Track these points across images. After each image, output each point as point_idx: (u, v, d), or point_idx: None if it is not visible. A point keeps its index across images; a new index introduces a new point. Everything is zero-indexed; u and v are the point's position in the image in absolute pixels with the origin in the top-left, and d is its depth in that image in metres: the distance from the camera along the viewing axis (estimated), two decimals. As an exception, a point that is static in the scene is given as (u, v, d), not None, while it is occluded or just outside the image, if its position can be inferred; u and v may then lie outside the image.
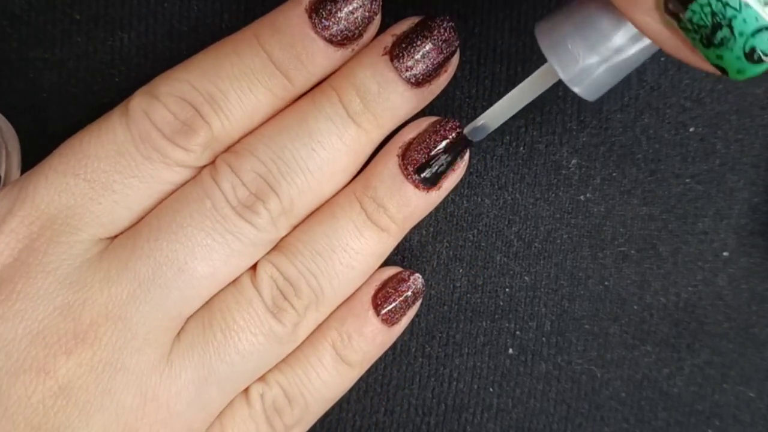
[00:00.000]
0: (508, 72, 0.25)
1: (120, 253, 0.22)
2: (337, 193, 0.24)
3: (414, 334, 0.26)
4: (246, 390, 0.24)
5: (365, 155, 0.23)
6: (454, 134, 0.23)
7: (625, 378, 0.27)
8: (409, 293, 0.24)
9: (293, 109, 0.23)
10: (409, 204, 0.23)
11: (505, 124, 0.25)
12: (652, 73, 0.25)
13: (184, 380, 0.22)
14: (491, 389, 0.26)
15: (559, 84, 0.25)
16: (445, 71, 0.23)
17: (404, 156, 0.23)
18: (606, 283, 0.26)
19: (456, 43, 0.23)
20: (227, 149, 0.23)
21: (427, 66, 0.23)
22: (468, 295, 0.26)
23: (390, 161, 0.23)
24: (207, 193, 0.22)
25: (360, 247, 0.23)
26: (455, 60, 0.23)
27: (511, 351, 0.26)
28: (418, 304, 0.25)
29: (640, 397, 0.27)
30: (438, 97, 0.25)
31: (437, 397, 0.26)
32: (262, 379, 0.24)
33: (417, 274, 0.24)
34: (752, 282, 0.27)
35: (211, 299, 0.23)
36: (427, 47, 0.23)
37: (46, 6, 0.24)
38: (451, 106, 0.25)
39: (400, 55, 0.22)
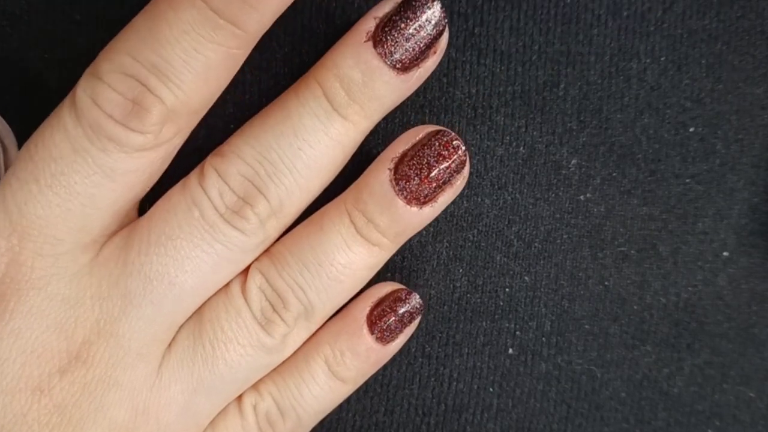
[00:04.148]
0: (508, 72, 0.25)
1: (111, 267, 0.22)
2: (329, 203, 0.23)
3: (414, 334, 0.26)
4: (239, 400, 0.24)
5: (355, 146, 0.23)
6: (451, 151, 0.22)
7: (625, 378, 0.27)
8: (405, 313, 0.24)
9: (278, 105, 0.22)
10: (401, 220, 0.22)
11: (505, 124, 0.25)
12: (652, 73, 0.25)
13: (173, 392, 0.22)
14: (491, 389, 0.26)
15: (559, 84, 0.25)
16: (434, 52, 0.22)
17: (396, 170, 0.22)
18: (606, 283, 0.26)
19: (444, 22, 0.21)
20: (215, 152, 0.22)
21: (414, 49, 0.21)
22: (468, 295, 0.26)
23: (381, 174, 0.22)
24: (195, 202, 0.22)
25: (348, 262, 0.23)
26: (444, 39, 0.22)
27: (511, 351, 0.26)
28: (415, 323, 0.24)
29: (640, 397, 0.27)
30: (438, 97, 0.25)
31: (437, 397, 0.26)
32: (255, 389, 0.24)
33: (415, 294, 0.24)
34: (752, 282, 0.27)
35: (202, 307, 0.23)
36: (413, 29, 0.21)
37: (46, 6, 0.24)
38: (451, 106, 0.25)
39: (384, 39, 0.21)
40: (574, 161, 0.26)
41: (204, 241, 0.22)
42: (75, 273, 0.21)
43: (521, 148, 0.26)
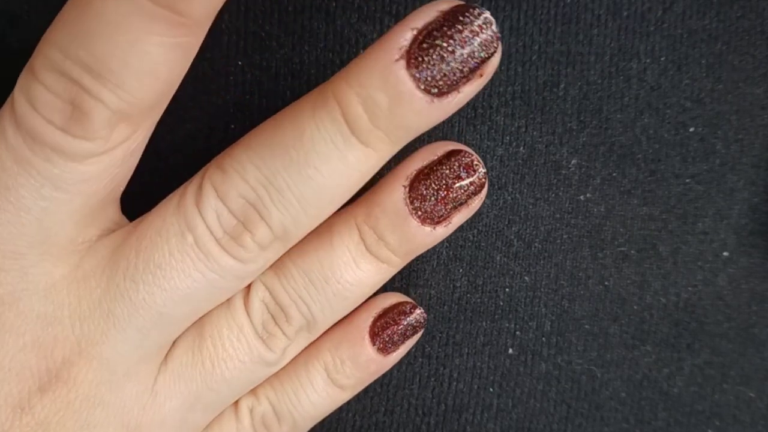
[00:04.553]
0: (508, 72, 0.25)
1: (92, 286, 0.20)
2: (337, 214, 0.22)
3: (414, 334, 0.26)
4: (235, 403, 0.23)
5: (374, 171, 0.20)
6: (470, 173, 0.21)
7: (625, 378, 0.27)
8: (409, 326, 0.24)
9: (290, 119, 0.19)
10: (413, 240, 0.21)
11: (505, 124, 0.25)
12: (652, 73, 0.25)
13: (168, 408, 0.22)
14: (491, 389, 0.26)
15: (559, 84, 0.25)
16: (480, 75, 0.18)
17: (411, 188, 0.21)
18: (606, 283, 0.26)
19: (497, 43, 0.18)
20: (216, 164, 0.20)
21: (455, 74, 0.18)
22: (468, 295, 0.26)
23: (395, 192, 0.21)
24: (189, 225, 0.20)
25: (355, 279, 0.22)
26: (495, 62, 0.18)
27: (511, 351, 0.26)
28: (417, 336, 0.24)
29: (640, 397, 0.27)
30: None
31: (437, 397, 0.26)
32: (252, 393, 0.23)
33: (419, 308, 0.24)
34: (752, 282, 0.27)
35: (202, 319, 0.22)
36: (457, 50, 0.18)
37: (46, 6, 0.24)
38: (451, 106, 0.25)
39: (420, 59, 0.17)
40: (574, 161, 0.26)
41: (197, 271, 0.20)
42: (48, 288, 0.20)
43: (521, 148, 0.26)
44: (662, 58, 0.25)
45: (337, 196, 0.20)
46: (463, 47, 0.18)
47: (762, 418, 0.27)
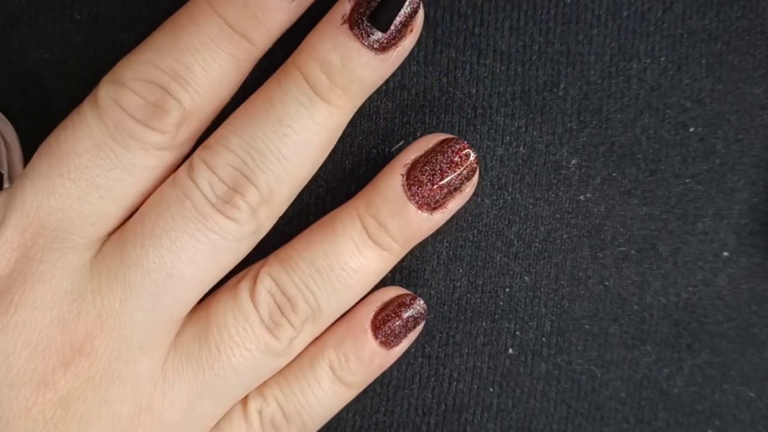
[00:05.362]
0: (508, 72, 0.25)
1: (109, 261, 0.22)
2: (339, 207, 0.24)
3: (414, 334, 0.26)
4: (244, 404, 0.24)
5: (340, 128, 0.23)
6: (462, 158, 0.23)
7: (625, 378, 0.27)
8: (410, 318, 0.24)
9: (261, 95, 0.23)
10: (412, 225, 0.23)
11: (505, 124, 0.25)
12: (652, 73, 0.25)
13: (177, 392, 0.22)
14: (491, 389, 0.26)
15: (559, 84, 0.25)
16: (411, 31, 0.22)
17: (409, 176, 0.23)
18: (606, 283, 0.26)
19: (417, 2, 0.22)
20: (203, 145, 0.23)
21: (390, 29, 0.22)
22: (468, 295, 0.26)
23: (394, 180, 0.23)
24: (186, 193, 0.22)
25: (358, 266, 0.23)
26: (420, 18, 0.22)
27: (511, 351, 0.26)
28: (419, 328, 0.24)
29: (640, 397, 0.27)
30: (438, 97, 0.25)
31: (437, 397, 0.26)
32: (260, 394, 0.24)
33: (419, 299, 0.24)
34: (752, 282, 0.27)
35: (209, 309, 0.23)
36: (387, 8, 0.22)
37: (46, 6, 0.24)
38: (451, 106, 0.25)
39: (360, 21, 0.21)
40: (574, 161, 0.26)
41: (198, 231, 0.22)
42: (78, 268, 0.22)
43: (521, 148, 0.26)
44: (662, 58, 0.25)
45: (311, 154, 0.22)
46: (393, 6, 0.21)
47: (762, 418, 0.27)
